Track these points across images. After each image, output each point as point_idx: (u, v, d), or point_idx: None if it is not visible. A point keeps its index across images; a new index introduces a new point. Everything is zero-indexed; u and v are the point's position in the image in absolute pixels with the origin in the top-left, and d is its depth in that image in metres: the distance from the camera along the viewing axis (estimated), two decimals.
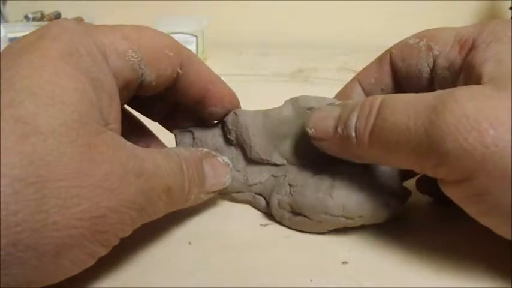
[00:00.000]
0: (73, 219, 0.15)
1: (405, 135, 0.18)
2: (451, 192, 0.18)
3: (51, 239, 0.15)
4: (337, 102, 0.22)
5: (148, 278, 0.19)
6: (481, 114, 0.16)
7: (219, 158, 0.24)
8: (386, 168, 0.23)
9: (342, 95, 0.26)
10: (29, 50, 0.17)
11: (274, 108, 0.24)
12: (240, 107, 0.26)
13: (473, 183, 0.16)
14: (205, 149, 0.24)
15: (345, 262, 0.20)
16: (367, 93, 0.25)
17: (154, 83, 0.22)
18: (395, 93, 0.25)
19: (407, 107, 0.18)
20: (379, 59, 0.26)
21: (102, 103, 0.18)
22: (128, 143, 0.18)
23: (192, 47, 0.60)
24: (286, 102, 0.24)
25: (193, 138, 0.26)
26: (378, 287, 0.19)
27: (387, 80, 0.25)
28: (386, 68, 0.25)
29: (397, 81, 0.25)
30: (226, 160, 0.24)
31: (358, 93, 0.26)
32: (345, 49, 0.68)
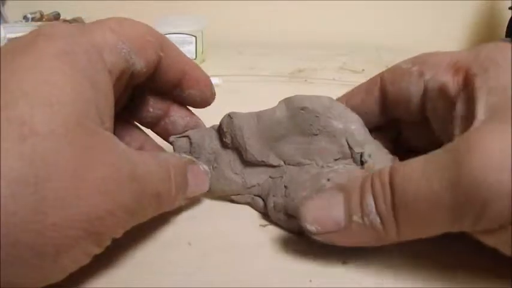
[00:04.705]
0: (71, 221, 0.15)
1: (434, 201, 0.16)
2: (492, 241, 0.17)
3: (51, 239, 0.15)
4: (328, 185, 0.20)
5: (148, 279, 0.19)
6: (507, 150, 0.15)
7: (200, 166, 0.24)
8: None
9: None
10: (24, 52, 0.17)
11: (267, 110, 0.24)
12: (215, 92, 0.26)
13: None
14: (188, 156, 0.24)
15: (344, 262, 0.20)
16: None
17: (144, 70, 0.22)
18: (380, 118, 0.25)
19: (425, 170, 0.17)
20: (370, 82, 0.25)
21: (98, 102, 0.18)
22: (122, 145, 0.19)
23: (191, 47, 0.60)
24: (280, 102, 0.24)
25: (191, 143, 0.26)
26: (378, 287, 0.19)
27: (373, 105, 0.24)
28: (375, 92, 0.24)
29: (385, 106, 0.24)
30: (206, 168, 0.25)
31: None
32: (345, 49, 0.68)
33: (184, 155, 0.24)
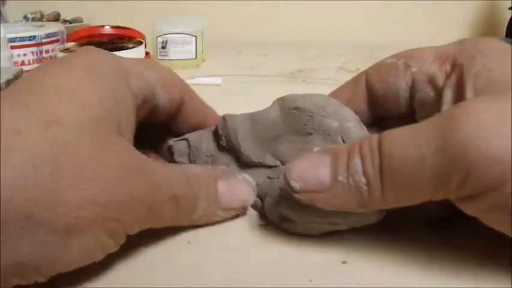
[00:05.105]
0: (85, 202, 0.16)
1: (420, 164, 0.16)
2: (474, 208, 0.17)
3: (63, 217, 0.16)
4: (316, 149, 0.20)
5: (147, 278, 0.19)
6: (497, 117, 0.16)
7: (238, 176, 0.24)
8: None
9: None
10: (60, 63, 0.20)
11: (261, 110, 0.24)
12: None
13: (502, 190, 0.16)
14: (224, 167, 0.25)
15: (344, 262, 0.20)
16: None
17: (166, 106, 0.24)
18: (368, 116, 0.25)
19: (413, 135, 0.17)
20: (355, 80, 0.25)
21: (120, 115, 0.20)
22: (137, 151, 0.20)
23: (191, 47, 0.60)
24: (273, 102, 0.24)
25: (189, 146, 0.26)
26: (378, 287, 0.19)
27: (361, 102, 0.24)
28: (361, 90, 0.24)
29: (373, 103, 0.24)
30: (248, 178, 0.24)
31: None
32: (345, 49, 0.68)
33: (222, 167, 0.25)
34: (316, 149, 0.20)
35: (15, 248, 0.15)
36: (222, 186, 0.23)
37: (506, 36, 0.69)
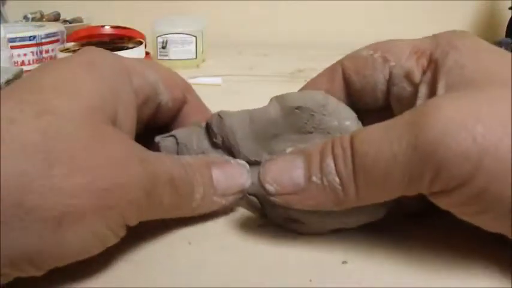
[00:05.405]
0: (78, 190, 0.16)
1: (392, 162, 0.17)
2: (446, 202, 0.18)
3: (55, 204, 0.15)
4: (289, 150, 0.20)
5: (147, 277, 0.19)
6: (465, 114, 0.16)
7: (232, 161, 0.23)
8: None
9: None
10: (60, 62, 0.21)
11: (260, 109, 0.24)
12: None
13: (472, 185, 0.16)
14: (217, 156, 0.24)
15: (344, 262, 0.20)
16: None
17: (170, 105, 0.24)
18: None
19: (385, 133, 0.17)
20: (331, 71, 0.25)
21: (118, 112, 0.20)
22: (133, 141, 0.20)
23: (191, 47, 0.60)
24: (271, 100, 0.24)
25: (177, 143, 0.25)
26: (378, 287, 0.19)
27: (339, 94, 0.24)
28: (339, 82, 0.24)
29: (350, 95, 0.24)
30: (242, 162, 0.24)
31: None
32: (344, 49, 0.68)
33: (214, 155, 0.24)
34: (289, 149, 0.20)
35: (7, 238, 0.15)
36: (216, 173, 0.22)
37: (506, 36, 0.69)
